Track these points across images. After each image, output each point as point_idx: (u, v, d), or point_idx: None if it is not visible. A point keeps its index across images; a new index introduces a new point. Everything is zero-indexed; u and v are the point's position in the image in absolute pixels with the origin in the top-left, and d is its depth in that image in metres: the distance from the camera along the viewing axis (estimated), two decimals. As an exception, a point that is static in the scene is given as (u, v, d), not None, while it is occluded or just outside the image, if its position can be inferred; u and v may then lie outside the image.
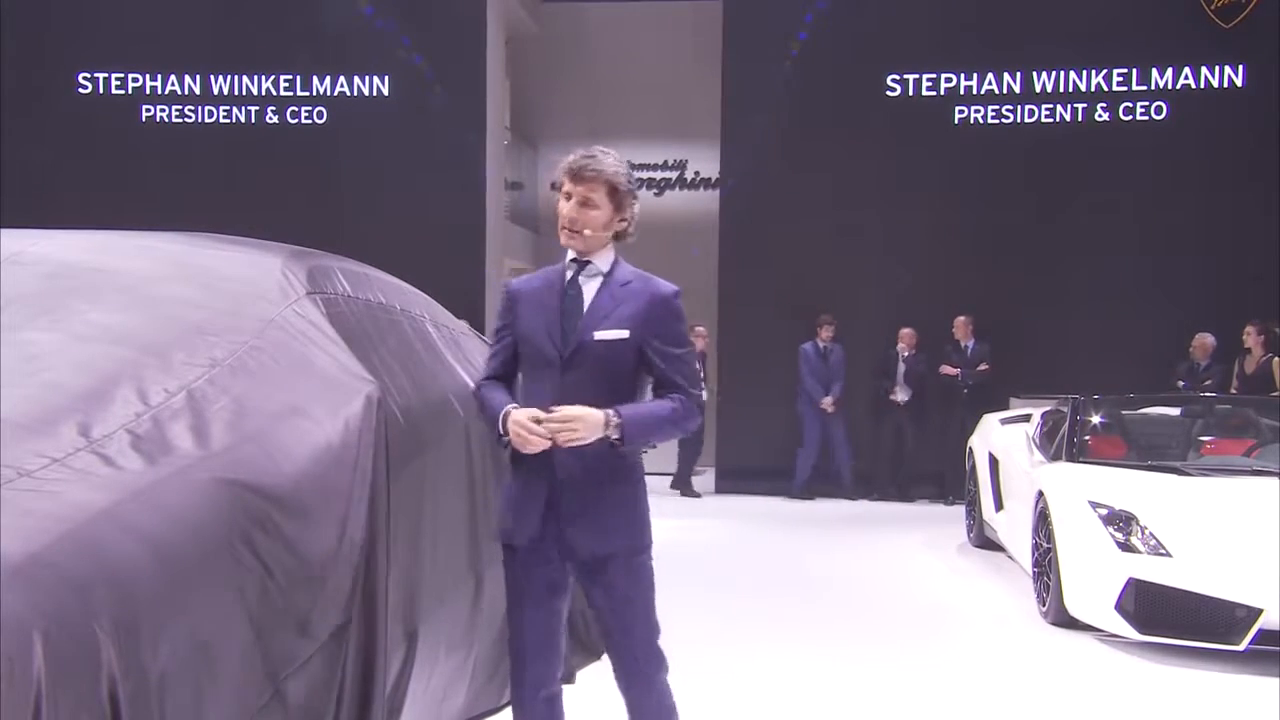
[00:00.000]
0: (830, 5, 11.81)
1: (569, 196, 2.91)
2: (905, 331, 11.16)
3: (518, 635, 2.94)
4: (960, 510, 9.12)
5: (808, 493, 11.27)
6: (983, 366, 11.01)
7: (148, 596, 1.78)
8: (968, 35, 11.59)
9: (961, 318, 11.10)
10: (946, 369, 11.09)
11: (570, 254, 2.97)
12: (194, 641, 1.87)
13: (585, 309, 2.91)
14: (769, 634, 5.87)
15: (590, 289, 2.94)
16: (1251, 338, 9.88)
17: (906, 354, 11.20)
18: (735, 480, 11.70)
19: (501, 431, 2.84)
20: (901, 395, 11.16)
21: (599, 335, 2.87)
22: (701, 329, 11.40)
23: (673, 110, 14.50)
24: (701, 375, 10.89)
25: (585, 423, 2.75)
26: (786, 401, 11.40)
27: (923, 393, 11.18)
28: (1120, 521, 5.73)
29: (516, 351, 2.97)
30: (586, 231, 2.90)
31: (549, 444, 2.75)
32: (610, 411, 2.77)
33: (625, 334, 2.87)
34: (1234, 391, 9.83)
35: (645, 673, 2.92)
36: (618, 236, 2.97)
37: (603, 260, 2.95)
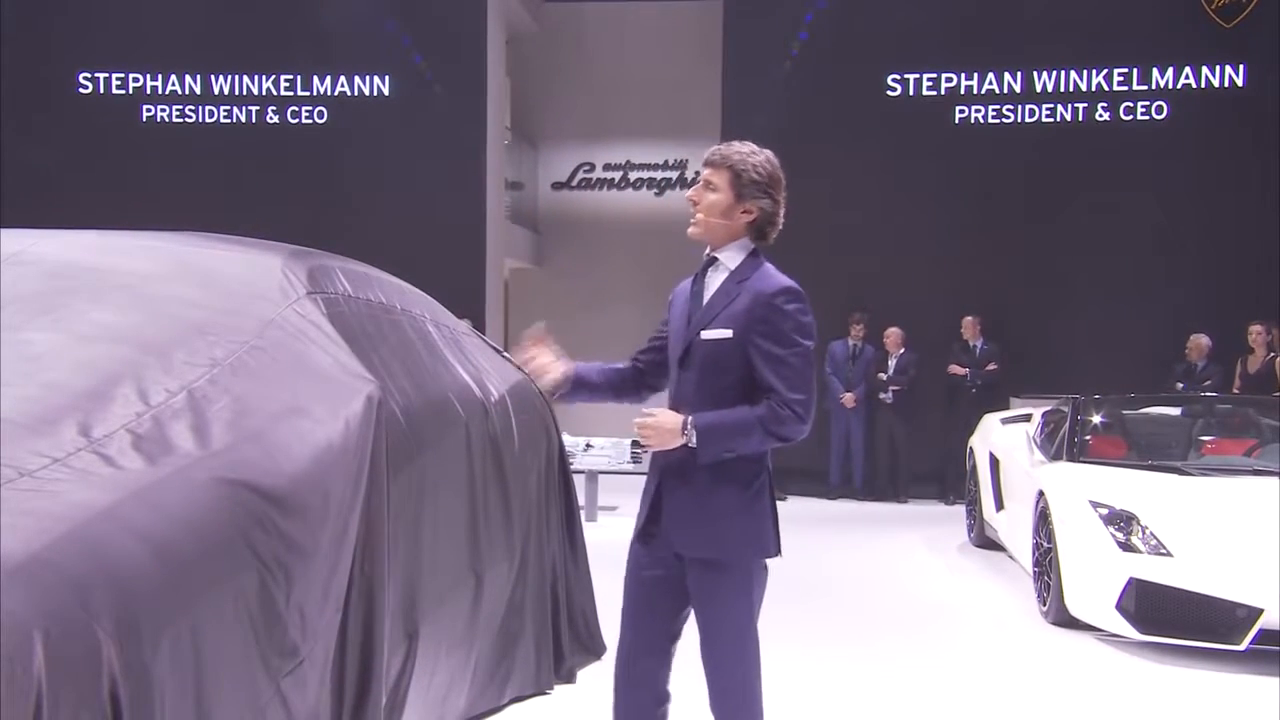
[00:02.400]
0: (831, 5, 11.82)
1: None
2: (891, 331, 11.17)
3: (626, 635, 2.90)
4: (960, 510, 9.12)
5: (835, 492, 11.29)
6: (991, 366, 11.02)
7: (148, 596, 1.78)
8: (968, 35, 11.59)
9: (969, 318, 11.09)
10: (955, 369, 11.09)
11: (707, 249, 2.93)
12: (194, 640, 1.87)
13: (704, 306, 2.87)
14: (769, 632, 5.87)
15: (713, 286, 2.88)
16: (1258, 337, 9.86)
17: (897, 354, 11.20)
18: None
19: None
20: (885, 396, 11.16)
21: (706, 335, 2.83)
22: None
23: (673, 110, 14.51)
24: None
25: (658, 430, 2.76)
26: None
27: (913, 393, 11.16)
28: (1121, 521, 5.73)
29: (664, 348, 2.99)
30: (700, 215, 2.87)
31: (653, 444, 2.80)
32: (688, 418, 2.75)
33: (729, 333, 2.79)
34: (1236, 391, 9.82)
35: (728, 710, 2.83)
36: (758, 237, 2.90)
37: (730, 257, 2.88)
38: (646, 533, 2.87)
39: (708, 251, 2.92)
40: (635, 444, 9.19)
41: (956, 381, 11.03)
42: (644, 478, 2.98)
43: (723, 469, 2.78)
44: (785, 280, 2.84)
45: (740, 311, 2.80)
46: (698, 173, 2.99)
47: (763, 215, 2.88)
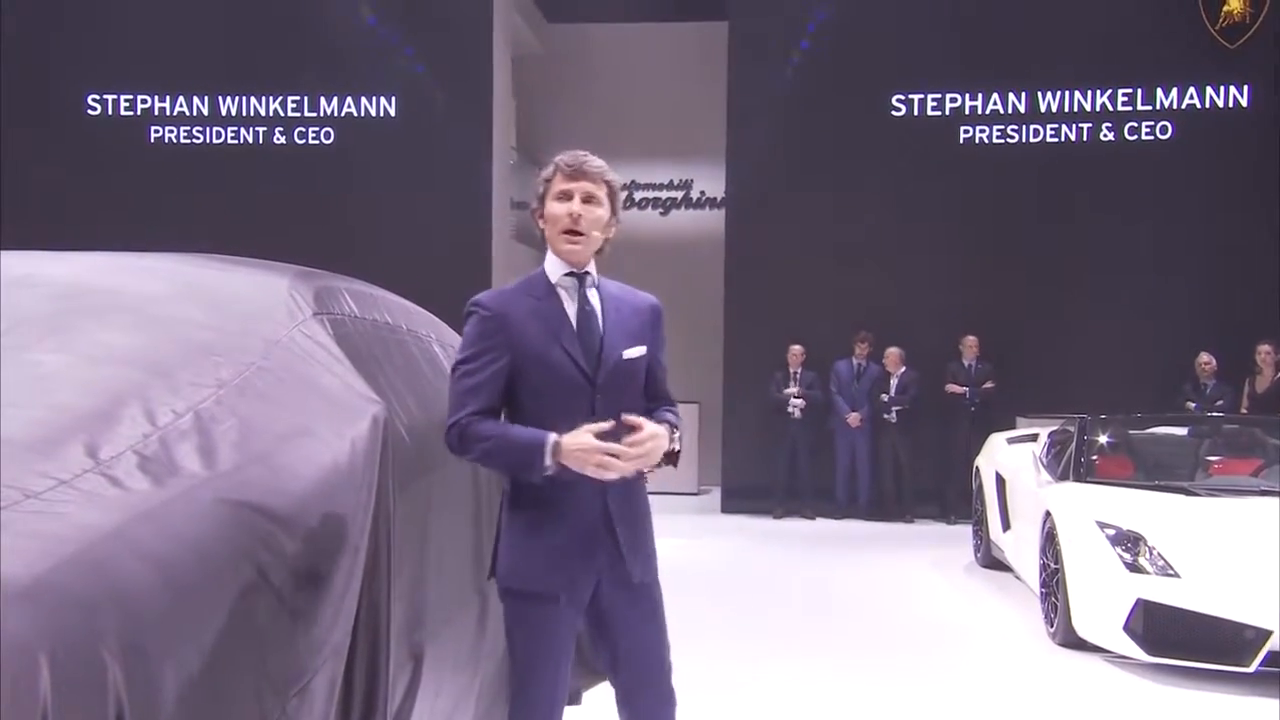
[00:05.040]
0: (835, 26, 11.87)
1: (566, 196, 2.73)
2: (891, 351, 11.19)
3: (547, 703, 2.76)
4: (964, 529, 9.10)
5: (842, 512, 11.30)
6: (988, 385, 11.03)
7: (155, 618, 1.77)
8: (973, 55, 11.64)
9: (970, 337, 11.13)
10: (953, 388, 11.10)
11: (560, 268, 2.78)
12: (200, 662, 1.87)
13: (601, 326, 2.76)
14: (775, 652, 5.85)
15: (595, 304, 2.78)
16: (1267, 357, 9.84)
17: (898, 374, 11.21)
18: (741, 499, 11.69)
19: (546, 464, 2.59)
20: (889, 415, 11.17)
21: (627, 354, 2.74)
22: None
23: (678, 130, 14.55)
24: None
25: (659, 442, 2.63)
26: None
27: (916, 412, 11.17)
28: (1128, 542, 5.71)
29: (507, 380, 2.73)
30: (594, 233, 2.74)
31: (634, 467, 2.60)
32: (664, 425, 2.69)
33: (643, 350, 2.78)
34: (1244, 411, 9.81)
35: (670, 700, 2.85)
36: (599, 251, 2.84)
37: (594, 271, 2.82)
38: (588, 577, 2.73)
39: (569, 270, 2.78)
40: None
41: (955, 401, 11.04)
42: None
43: (643, 490, 2.80)
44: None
45: (640, 327, 2.79)
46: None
47: (617, 231, 2.86)
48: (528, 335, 2.71)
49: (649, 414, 2.75)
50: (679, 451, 2.73)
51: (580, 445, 2.56)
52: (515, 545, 2.80)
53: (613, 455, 2.56)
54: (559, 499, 2.69)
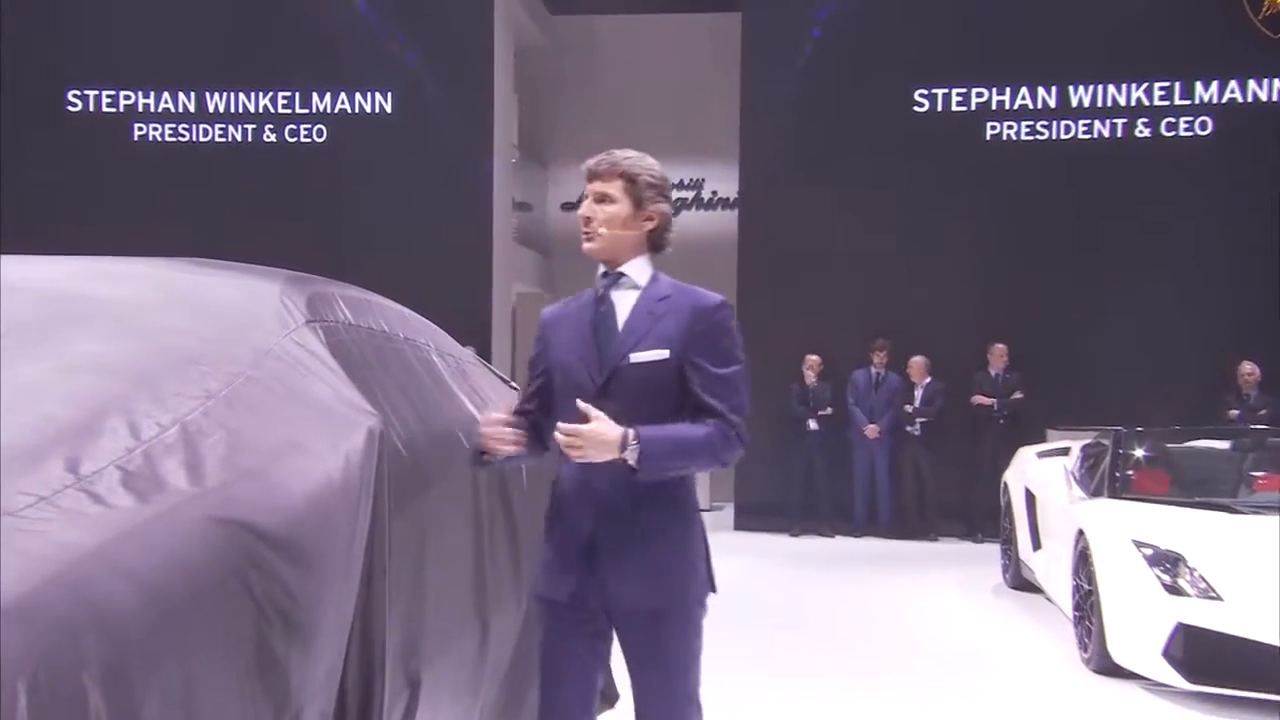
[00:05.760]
0: (855, 16, 11.89)
1: (585, 199, 2.82)
2: (915, 361, 11.16)
3: (557, 715, 2.77)
4: (991, 549, 9.08)
5: (864, 529, 11.31)
6: (1016, 395, 10.99)
7: (138, 640, 1.78)
8: (1000, 47, 11.65)
9: (999, 345, 11.11)
10: (980, 399, 11.07)
11: (601, 268, 2.84)
12: (186, 687, 1.87)
13: (619, 328, 2.76)
14: (792, 678, 5.84)
15: (624, 305, 2.78)
16: None
17: (923, 384, 11.19)
18: (755, 517, 11.67)
19: (474, 447, 2.81)
20: (912, 428, 11.15)
21: (636, 358, 2.71)
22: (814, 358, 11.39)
23: (689, 126, 14.58)
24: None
25: (594, 441, 2.56)
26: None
27: (940, 424, 11.15)
28: (1167, 562, 5.69)
29: (552, 386, 2.84)
30: (603, 230, 2.75)
31: (515, 444, 2.73)
32: (629, 431, 2.59)
33: (665, 354, 2.71)
34: (1288, 423, 9.77)
35: None
36: (654, 248, 2.84)
37: (637, 272, 2.81)
38: (574, 591, 2.74)
39: (605, 269, 2.83)
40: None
41: (982, 413, 11.01)
42: None
43: (665, 502, 2.70)
44: (715, 293, 2.85)
45: (675, 330, 2.73)
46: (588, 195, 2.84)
47: (663, 220, 2.82)
48: (556, 341, 2.86)
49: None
50: (638, 465, 2.60)
51: (483, 424, 2.79)
52: (541, 553, 2.94)
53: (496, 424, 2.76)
54: (559, 511, 2.81)
